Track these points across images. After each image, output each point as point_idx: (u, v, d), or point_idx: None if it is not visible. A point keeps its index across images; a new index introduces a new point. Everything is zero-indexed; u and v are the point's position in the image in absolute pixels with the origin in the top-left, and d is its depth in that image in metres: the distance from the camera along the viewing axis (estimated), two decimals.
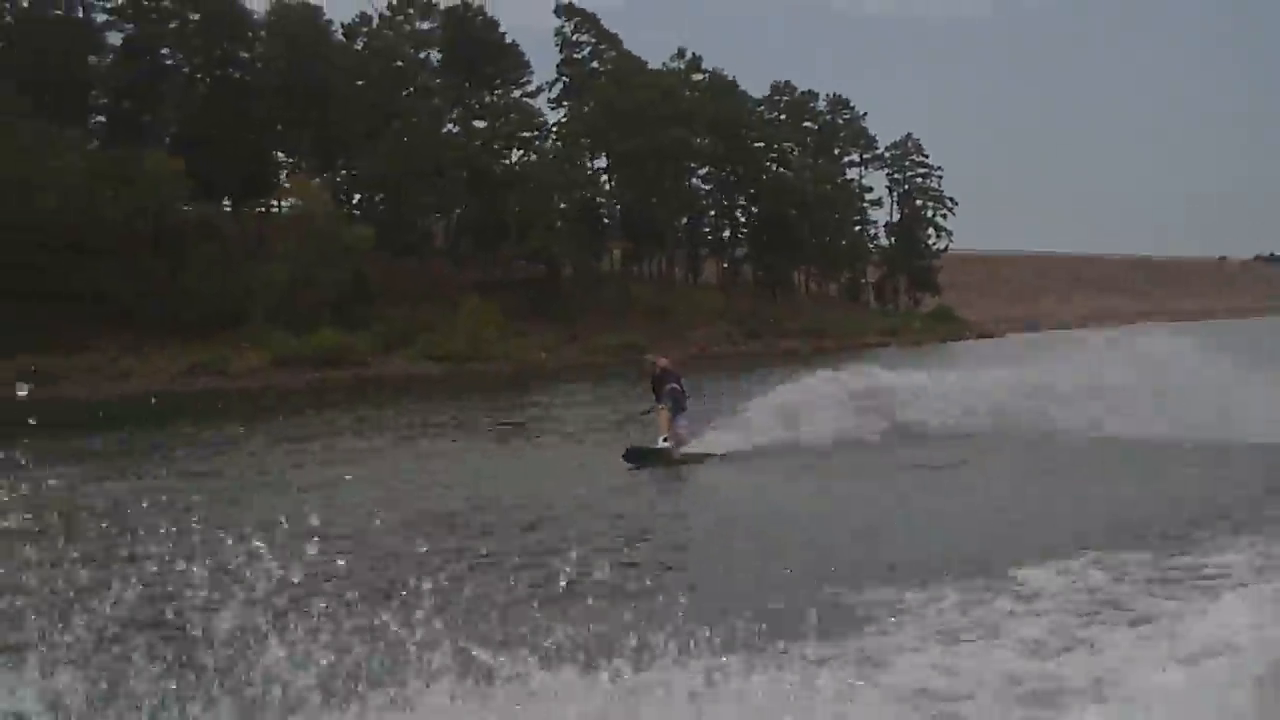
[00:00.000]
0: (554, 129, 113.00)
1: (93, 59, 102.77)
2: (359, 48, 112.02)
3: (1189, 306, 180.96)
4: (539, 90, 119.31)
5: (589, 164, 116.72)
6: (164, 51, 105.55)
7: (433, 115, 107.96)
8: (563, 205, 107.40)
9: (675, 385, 29.09)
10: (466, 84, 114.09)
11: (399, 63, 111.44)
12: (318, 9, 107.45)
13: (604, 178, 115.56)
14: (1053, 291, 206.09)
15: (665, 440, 27.84)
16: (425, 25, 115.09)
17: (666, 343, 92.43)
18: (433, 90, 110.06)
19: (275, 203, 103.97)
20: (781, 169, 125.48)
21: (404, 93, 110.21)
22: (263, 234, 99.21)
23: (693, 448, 28.44)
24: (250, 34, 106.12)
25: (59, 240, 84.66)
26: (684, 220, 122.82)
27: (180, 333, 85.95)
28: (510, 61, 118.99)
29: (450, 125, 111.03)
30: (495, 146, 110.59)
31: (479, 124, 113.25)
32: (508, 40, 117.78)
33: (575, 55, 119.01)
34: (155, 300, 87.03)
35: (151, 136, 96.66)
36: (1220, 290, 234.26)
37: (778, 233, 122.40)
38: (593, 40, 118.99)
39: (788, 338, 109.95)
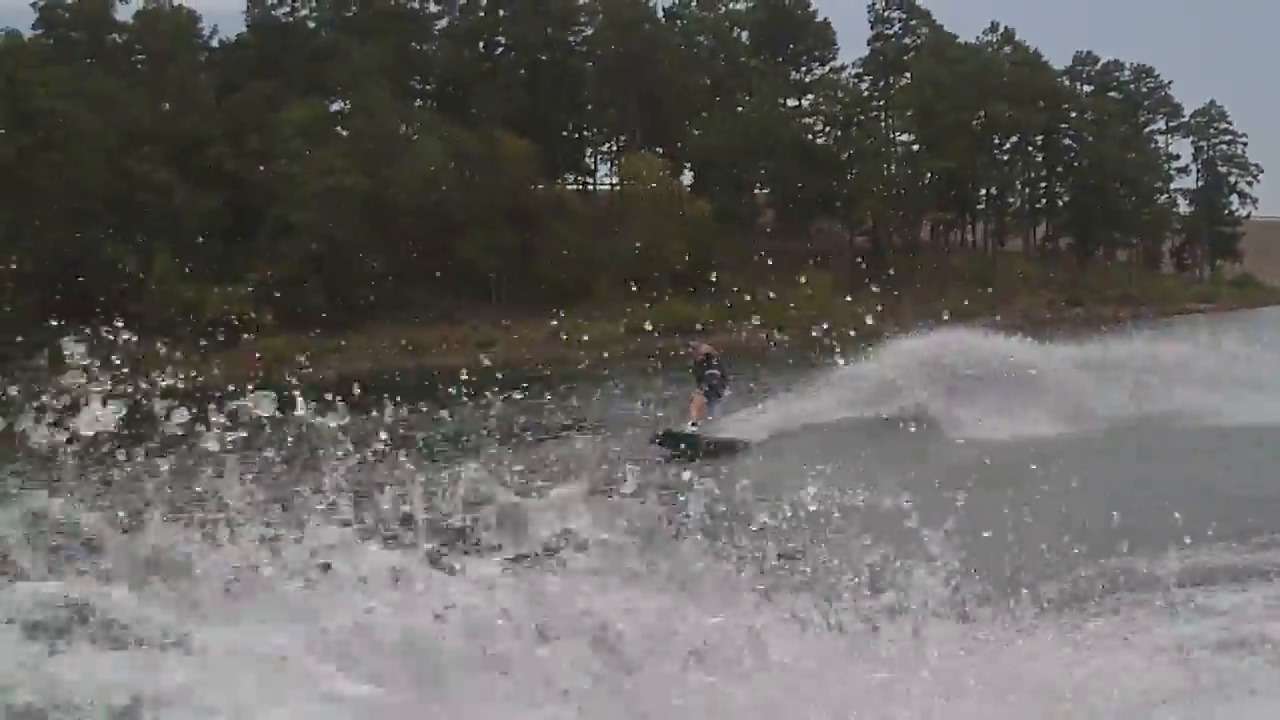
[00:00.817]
0: (878, 103, 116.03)
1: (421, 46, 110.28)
2: (678, 28, 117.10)
3: None
4: (843, 67, 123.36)
5: (898, 137, 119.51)
6: (498, 38, 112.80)
7: (762, 92, 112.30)
8: (885, 177, 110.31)
9: (715, 372, 29.27)
10: (778, 60, 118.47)
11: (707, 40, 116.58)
12: None
13: (915, 149, 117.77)
14: None
15: (694, 425, 27.59)
16: (740, 4, 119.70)
17: (989, 312, 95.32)
18: (758, 68, 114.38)
19: (617, 180, 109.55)
20: (1093, 139, 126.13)
21: (726, 70, 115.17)
22: (611, 210, 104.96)
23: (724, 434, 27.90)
24: (581, 17, 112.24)
25: (431, 221, 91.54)
26: (992, 190, 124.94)
27: (536, 304, 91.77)
28: (820, 39, 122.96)
29: (781, 101, 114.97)
30: (820, 122, 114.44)
31: (801, 100, 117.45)
32: (818, 18, 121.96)
33: (886, 31, 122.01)
34: (513, 275, 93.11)
35: (480, 119, 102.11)
36: None
37: (1092, 202, 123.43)
38: (904, 16, 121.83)
39: (1103, 305, 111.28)
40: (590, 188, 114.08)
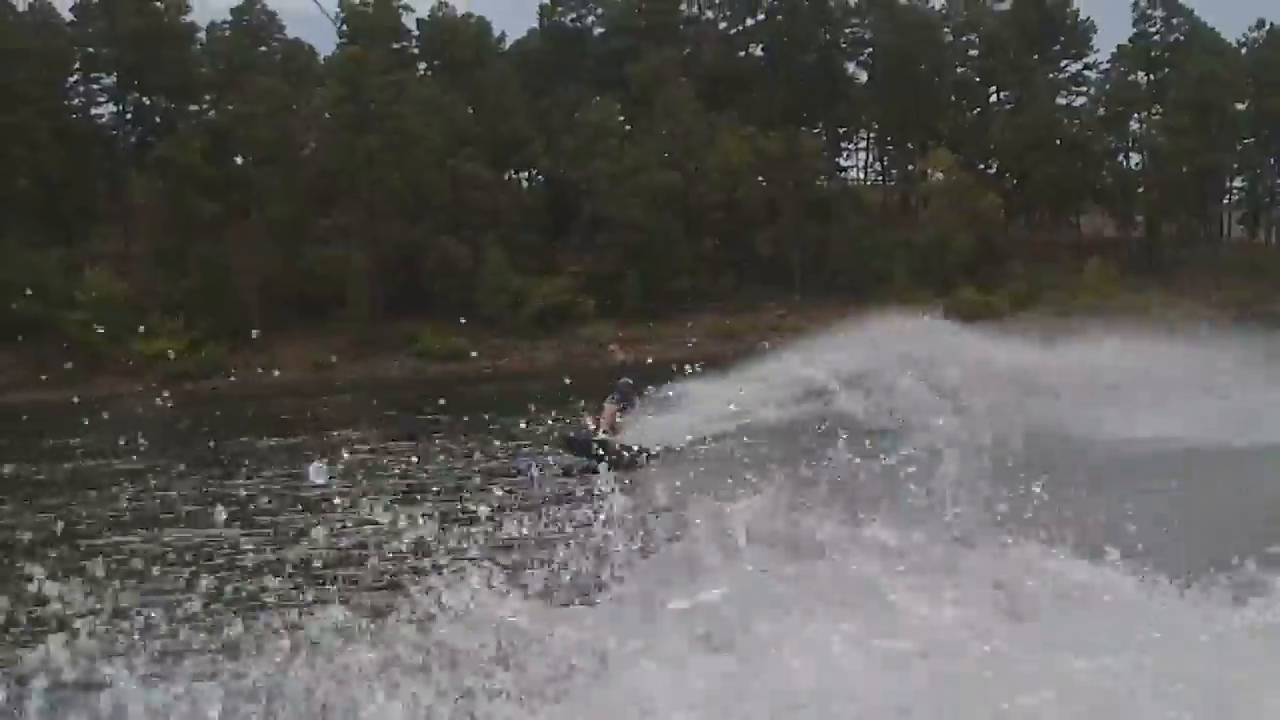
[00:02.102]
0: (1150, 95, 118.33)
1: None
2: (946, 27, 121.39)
3: None
4: (1097, 64, 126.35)
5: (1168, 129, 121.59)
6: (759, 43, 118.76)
7: (1041, 89, 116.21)
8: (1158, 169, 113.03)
9: (627, 380, 29.35)
10: (1034, 57, 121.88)
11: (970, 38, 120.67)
12: None
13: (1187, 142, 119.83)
14: None
15: (603, 434, 27.23)
16: (1004, 3, 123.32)
17: (1262, 301, 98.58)
18: (1028, 66, 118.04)
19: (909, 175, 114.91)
20: None
21: (988, 67, 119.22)
22: (902, 203, 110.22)
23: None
24: (854, 20, 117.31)
25: (733, 214, 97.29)
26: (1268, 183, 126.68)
27: (834, 293, 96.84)
28: (1075, 36, 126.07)
29: (1059, 97, 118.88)
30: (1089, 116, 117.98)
31: (1070, 95, 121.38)
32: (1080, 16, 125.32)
33: (1149, 29, 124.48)
34: (809, 265, 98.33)
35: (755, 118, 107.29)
36: None
37: None
38: (1165, 14, 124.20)
39: None
40: (870, 181, 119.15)
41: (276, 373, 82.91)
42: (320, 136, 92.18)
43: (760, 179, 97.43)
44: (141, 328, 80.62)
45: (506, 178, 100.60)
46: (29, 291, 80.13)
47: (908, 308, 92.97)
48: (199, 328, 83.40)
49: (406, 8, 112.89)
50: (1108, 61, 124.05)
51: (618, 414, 28.20)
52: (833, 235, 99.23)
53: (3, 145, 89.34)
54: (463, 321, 77.73)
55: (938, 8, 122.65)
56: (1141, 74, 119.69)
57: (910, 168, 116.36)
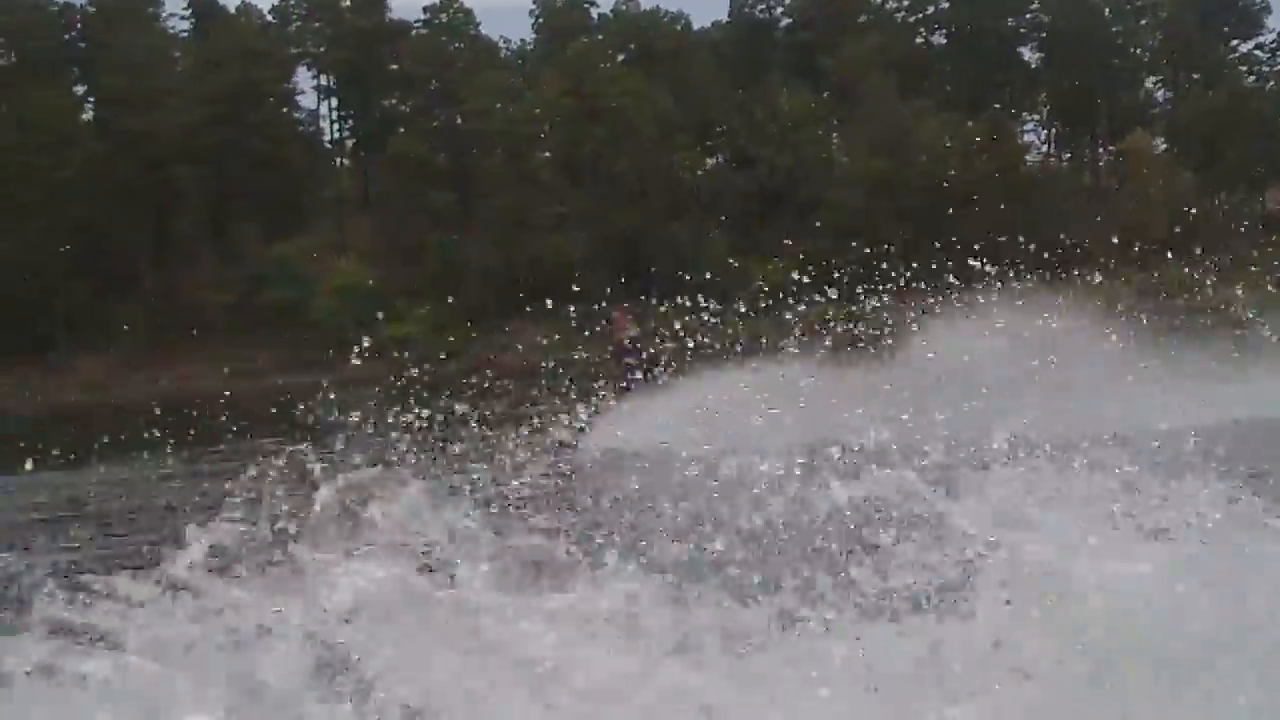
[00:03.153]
0: None
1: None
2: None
3: None
4: (1264, 45, 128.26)
5: None
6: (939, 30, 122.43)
7: (1227, 70, 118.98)
8: None
9: (630, 361, 25.54)
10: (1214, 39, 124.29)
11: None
12: None
13: None
14: None
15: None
16: None
17: None
18: (1209, 46, 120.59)
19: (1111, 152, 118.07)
20: None
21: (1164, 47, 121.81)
22: (1101, 184, 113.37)
23: None
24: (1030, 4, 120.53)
25: (939, 198, 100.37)
26: None
27: (1036, 270, 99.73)
28: (1245, 15, 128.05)
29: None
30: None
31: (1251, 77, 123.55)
32: None
33: None
34: (1010, 246, 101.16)
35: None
36: None
37: None
38: None
39: None
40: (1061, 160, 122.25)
41: (511, 354, 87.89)
42: (549, 128, 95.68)
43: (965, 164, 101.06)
44: (380, 314, 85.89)
45: (714, 164, 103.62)
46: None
47: (1112, 284, 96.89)
48: (440, 314, 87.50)
49: (593, 2, 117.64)
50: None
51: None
52: (1035, 215, 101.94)
53: (236, 143, 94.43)
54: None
55: None
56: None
57: (1096, 148, 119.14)
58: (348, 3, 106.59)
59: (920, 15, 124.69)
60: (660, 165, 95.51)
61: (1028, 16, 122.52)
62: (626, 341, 25.51)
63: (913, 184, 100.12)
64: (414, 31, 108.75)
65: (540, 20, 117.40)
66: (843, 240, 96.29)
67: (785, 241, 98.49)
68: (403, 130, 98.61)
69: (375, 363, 66.07)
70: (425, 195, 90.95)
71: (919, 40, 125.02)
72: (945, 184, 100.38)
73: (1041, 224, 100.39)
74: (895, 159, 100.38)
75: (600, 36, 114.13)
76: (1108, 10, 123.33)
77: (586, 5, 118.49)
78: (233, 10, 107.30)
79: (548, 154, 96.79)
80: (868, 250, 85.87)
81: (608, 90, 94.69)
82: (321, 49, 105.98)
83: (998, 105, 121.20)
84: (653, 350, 24.15)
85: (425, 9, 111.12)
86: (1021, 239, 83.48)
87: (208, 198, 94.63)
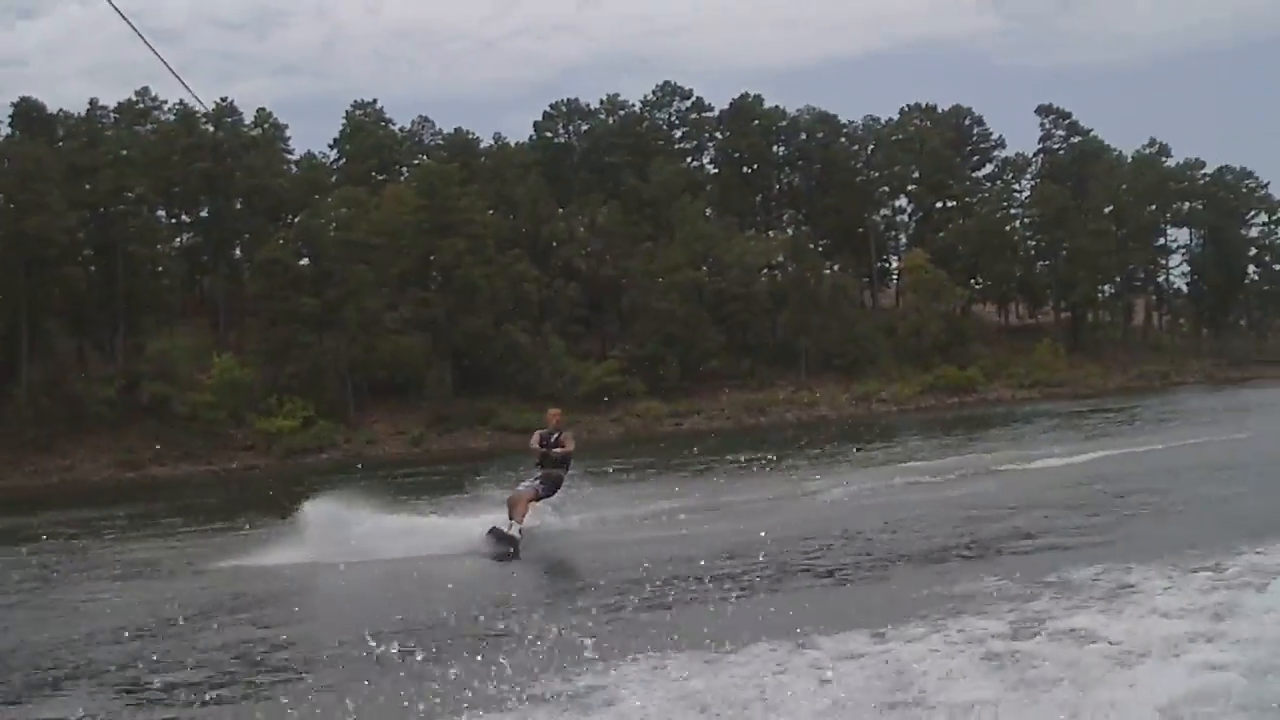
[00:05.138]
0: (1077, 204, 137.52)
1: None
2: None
3: None
4: (1001, 173, 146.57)
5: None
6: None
7: (982, 198, 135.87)
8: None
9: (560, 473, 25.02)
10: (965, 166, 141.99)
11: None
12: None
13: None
14: None
15: (518, 531, 23.48)
16: (926, 122, 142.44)
17: (1169, 375, 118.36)
18: (963, 175, 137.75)
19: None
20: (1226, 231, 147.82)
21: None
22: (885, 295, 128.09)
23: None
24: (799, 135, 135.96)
25: (750, 305, 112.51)
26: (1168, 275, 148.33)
27: (830, 372, 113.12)
28: (985, 151, 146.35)
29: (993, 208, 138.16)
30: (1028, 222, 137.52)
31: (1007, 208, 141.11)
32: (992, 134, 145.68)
33: (1053, 146, 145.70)
34: (812, 348, 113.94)
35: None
36: None
37: (1228, 283, 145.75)
38: (1065, 134, 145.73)
39: (1264, 367, 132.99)
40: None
41: (378, 446, 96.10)
42: (405, 239, 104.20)
43: (775, 274, 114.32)
44: (256, 410, 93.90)
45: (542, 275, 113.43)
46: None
47: (894, 383, 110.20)
48: (307, 409, 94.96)
49: (389, 122, 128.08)
50: (1031, 176, 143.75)
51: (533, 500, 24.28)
52: (829, 323, 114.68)
53: (110, 246, 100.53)
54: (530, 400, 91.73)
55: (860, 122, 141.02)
56: (1057, 184, 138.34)
57: (876, 265, 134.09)
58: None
59: (697, 143, 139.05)
60: (504, 274, 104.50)
61: (793, 146, 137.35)
62: (555, 448, 24.86)
63: (727, 293, 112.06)
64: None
65: (347, 131, 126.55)
66: (665, 344, 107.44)
67: (613, 350, 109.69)
68: (263, 241, 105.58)
69: (250, 453, 74.26)
70: (292, 299, 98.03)
71: (696, 164, 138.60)
72: (755, 293, 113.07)
73: (833, 329, 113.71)
74: (708, 271, 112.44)
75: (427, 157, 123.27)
76: (858, 146, 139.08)
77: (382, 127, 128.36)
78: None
79: (402, 262, 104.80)
80: (691, 351, 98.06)
81: (457, 204, 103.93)
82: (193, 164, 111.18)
83: (765, 227, 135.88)
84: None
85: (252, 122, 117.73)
86: (816, 343, 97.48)
87: (85, 297, 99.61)
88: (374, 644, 12.55)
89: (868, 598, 15.74)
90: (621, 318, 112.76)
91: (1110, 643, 11.58)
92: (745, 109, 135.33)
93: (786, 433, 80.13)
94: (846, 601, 15.63)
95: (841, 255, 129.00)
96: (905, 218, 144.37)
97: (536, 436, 25.31)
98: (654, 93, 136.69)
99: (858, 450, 49.61)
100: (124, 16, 9.75)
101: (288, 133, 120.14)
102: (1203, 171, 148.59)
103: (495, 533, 23.32)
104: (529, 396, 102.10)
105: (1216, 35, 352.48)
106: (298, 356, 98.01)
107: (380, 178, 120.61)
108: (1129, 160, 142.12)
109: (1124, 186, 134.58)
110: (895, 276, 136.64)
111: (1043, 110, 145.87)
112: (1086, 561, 16.29)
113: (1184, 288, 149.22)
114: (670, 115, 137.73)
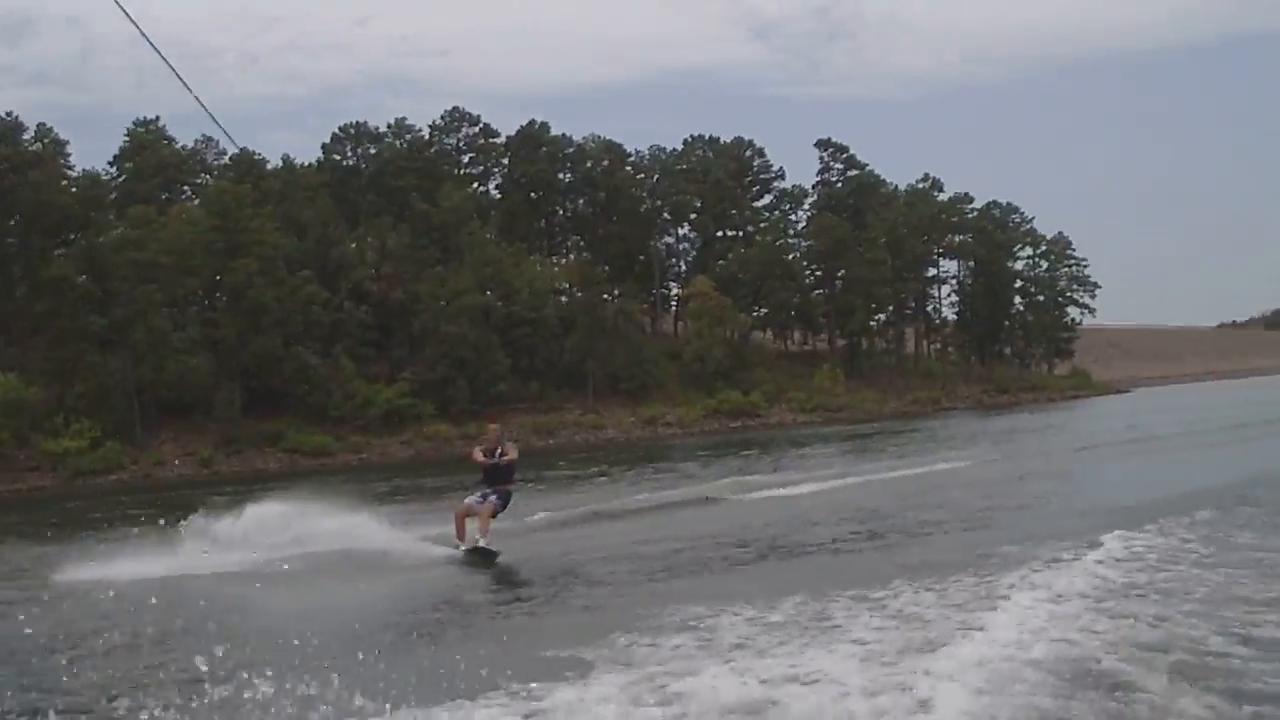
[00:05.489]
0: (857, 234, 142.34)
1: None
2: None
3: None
4: (780, 204, 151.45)
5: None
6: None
7: (771, 228, 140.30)
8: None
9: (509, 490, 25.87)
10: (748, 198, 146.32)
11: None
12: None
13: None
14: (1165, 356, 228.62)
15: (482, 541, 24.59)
16: (708, 153, 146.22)
17: (939, 400, 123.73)
18: (746, 205, 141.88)
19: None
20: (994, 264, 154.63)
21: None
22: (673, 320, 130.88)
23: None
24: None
25: (539, 329, 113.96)
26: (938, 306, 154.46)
27: (622, 395, 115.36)
28: (766, 183, 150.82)
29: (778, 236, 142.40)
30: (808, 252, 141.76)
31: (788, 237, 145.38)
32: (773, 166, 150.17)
33: (830, 179, 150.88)
34: (599, 372, 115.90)
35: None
36: None
37: (995, 313, 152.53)
38: (842, 167, 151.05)
39: (1026, 392, 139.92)
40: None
41: (168, 467, 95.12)
42: (195, 259, 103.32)
43: (563, 299, 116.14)
44: (34, 432, 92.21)
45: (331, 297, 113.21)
46: None
47: (679, 406, 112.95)
48: (95, 429, 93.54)
49: (171, 140, 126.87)
50: (809, 207, 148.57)
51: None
52: (616, 348, 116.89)
53: None
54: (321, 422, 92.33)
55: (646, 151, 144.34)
56: (835, 215, 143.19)
57: (658, 291, 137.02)
58: None
59: (484, 169, 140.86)
60: (295, 296, 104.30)
61: (579, 174, 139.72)
62: (501, 459, 25.56)
63: (516, 317, 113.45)
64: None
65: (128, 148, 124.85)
66: (455, 367, 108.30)
67: (403, 373, 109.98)
68: (51, 260, 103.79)
69: (37, 474, 73.56)
70: (79, 317, 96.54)
71: (483, 189, 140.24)
72: (544, 318, 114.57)
73: (620, 354, 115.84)
74: (497, 295, 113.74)
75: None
76: (643, 175, 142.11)
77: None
78: None
79: (192, 282, 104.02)
80: (480, 375, 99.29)
81: (249, 225, 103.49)
82: None
83: (549, 252, 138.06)
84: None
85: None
86: (603, 367, 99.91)
87: None
88: None
89: None
90: (411, 341, 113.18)
91: None
92: (533, 136, 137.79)
93: (575, 454, 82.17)
94: None
95: (625, 282, 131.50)
96: (687, 246, 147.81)
97: (479, 451, 25.98)
98: (442, 118, 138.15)
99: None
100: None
101: (69, 149, 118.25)
102: (972, 206, 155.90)
103: (475, 551, 24.43)
104: (319, 419, 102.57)
105: (989, 71, 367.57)
106: (84, 376, 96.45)
107: (164, 196, 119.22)
108: (903, 194, 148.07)
109: (899, 219, 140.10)
110: (674, 304, 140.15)
111: (822, 144, 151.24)
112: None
113: (953, 317, 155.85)
114: (459, 141, 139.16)
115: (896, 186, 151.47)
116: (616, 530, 30.11)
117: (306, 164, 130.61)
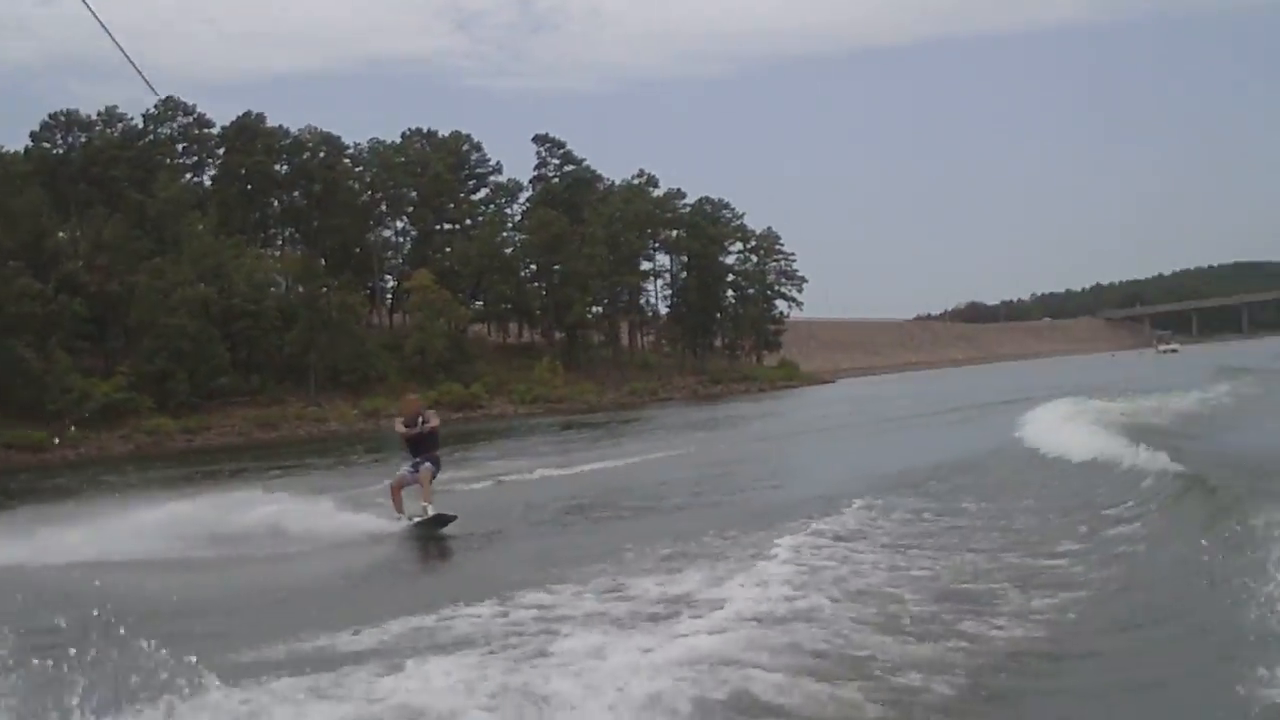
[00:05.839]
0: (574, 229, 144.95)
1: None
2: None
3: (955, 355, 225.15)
4: (495, 199, 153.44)
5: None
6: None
7: (489, 223, 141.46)
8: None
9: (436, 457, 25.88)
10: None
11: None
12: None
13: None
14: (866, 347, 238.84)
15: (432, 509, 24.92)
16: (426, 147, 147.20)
17: (658, 390, 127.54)
18: (464, 198, 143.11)
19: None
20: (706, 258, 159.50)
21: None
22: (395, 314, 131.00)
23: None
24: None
25: (260, 322, 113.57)
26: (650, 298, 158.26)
27: (343, 388, 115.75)
28: (484, 178, 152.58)
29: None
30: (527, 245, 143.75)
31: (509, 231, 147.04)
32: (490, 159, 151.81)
33: (548, 173, 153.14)
34: (321, 366, 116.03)
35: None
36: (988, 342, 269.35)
37: (708, 306, 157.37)
38: (559, 162, 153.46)
39: (737, 383, 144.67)
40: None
41: None
42: None
43: (284, 292, 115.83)
44: None
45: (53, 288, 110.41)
46: None
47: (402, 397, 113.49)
48: None
49: None
50: (525, 201, 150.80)
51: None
52: (337, 340, 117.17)
53: None
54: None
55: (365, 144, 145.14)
56: (553, 210, 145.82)
57: (376, 284, 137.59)
58: None
59: (198, 159, 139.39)
60: (7, 288, 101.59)
61: (295, 166, 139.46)
62: (424, 428, 25.57)
63: (235, 310, 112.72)
64: None
65: None
66: (174, 360, 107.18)
67: (120, 366, 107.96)
68: None
69: None
70: None
71: (198, 180, 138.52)
72: (265, 311, 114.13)
73: (341, 346, 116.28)
74: (217, 287, 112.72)
75: None
76: (361, 167, 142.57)
77: None
78: None
79: None
80: (201, 368, 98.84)
81: None
82: None
83: (264, 244, 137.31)
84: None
85: None
86: (324, 360, 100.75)
87: None
88: None
89: None
90: (128, 334, 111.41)
91: None
92: (249, 127, 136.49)
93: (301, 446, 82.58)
94: None
95: (343, 274, 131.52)
96: (405, 239, 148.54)
97: (399, 423, 26.10)
98: (156, 107, 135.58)
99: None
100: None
101: None
102: (684, 202, 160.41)
103: (431, 520, 24.39)
104: (34, 415, 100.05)
105: (694, 69, 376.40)
106: None
107: None
108: (619, 189, 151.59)
109: (615, 214, 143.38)
110: (389, 296, 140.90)
111: (539, 139, 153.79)
112: None
113: (665, 310, 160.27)
114: (174, 130, 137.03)
115: (613, 182, 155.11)
116: None
117: (12, 151, 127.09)
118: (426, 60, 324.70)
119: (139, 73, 11.90)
